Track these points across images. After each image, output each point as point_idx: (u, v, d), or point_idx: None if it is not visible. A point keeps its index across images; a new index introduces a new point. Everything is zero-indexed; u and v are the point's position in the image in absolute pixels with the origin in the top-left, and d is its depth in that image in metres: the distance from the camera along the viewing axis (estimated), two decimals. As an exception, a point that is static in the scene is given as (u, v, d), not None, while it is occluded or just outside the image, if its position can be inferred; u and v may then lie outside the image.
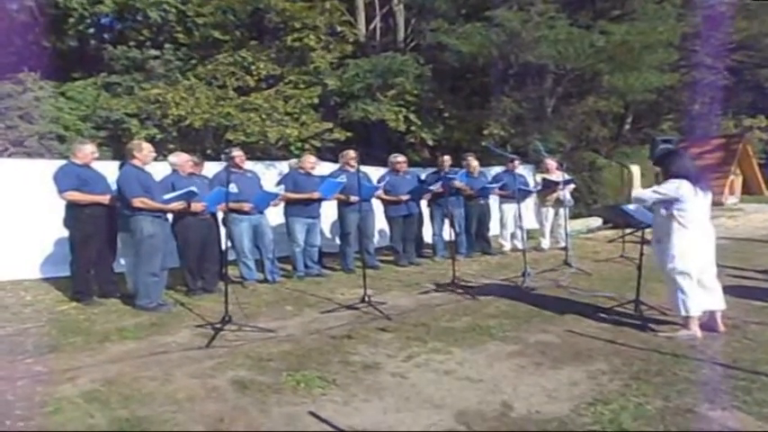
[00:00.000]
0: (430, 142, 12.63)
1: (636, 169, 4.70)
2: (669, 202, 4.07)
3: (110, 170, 5.73)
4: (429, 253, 8.32)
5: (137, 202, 5.11)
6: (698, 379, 3.28)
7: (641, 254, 4.70)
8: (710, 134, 17.66)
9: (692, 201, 4.02)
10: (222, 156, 6.10)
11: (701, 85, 15.10)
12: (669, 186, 4.06)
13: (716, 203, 4.28)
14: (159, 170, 5.90)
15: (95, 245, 5.47)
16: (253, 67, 11.72)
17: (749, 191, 18.20)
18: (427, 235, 8.44)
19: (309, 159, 7.14)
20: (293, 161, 7.59)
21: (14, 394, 3.20)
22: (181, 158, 5.96)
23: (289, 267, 7.02)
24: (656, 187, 4.16)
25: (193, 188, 5.46)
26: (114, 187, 5.39)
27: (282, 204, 6.81)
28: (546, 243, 8.95)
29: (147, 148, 5.49)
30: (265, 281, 6.47)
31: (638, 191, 4.25)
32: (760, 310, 4.82)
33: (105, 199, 5.42)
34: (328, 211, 7.60)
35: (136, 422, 2.84)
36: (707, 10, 13.41)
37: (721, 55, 14.44)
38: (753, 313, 4.68)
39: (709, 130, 18.03)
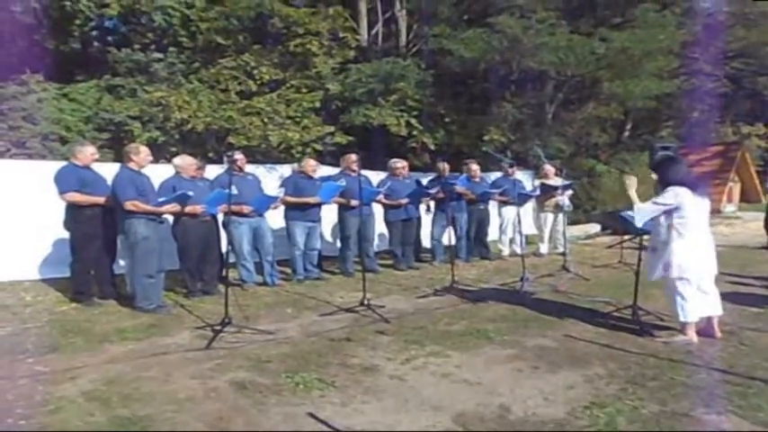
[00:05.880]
0: (431, 147, 12.66)
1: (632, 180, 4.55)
2: (669, 212, 4.10)
3: (111, 172, 5.69)
4: (428, 257, 8.35)
5: (129, 205, 5.14)
6: (694, 384, 3.30)
7: (639, 260, 4.72)
8: (709, 141, 17.70)
9: (691, 207, 4.05)
10: (224, 159, 6.12)
11: (700, 93, 15.18)
12: (668, 196, 4.09)
13: (713, 211, 4.28)
14: (162, 173, 5.92)
15: (95, 246, 5.50)
16: (255, 72, 11.75)
17: (747, 198, 18.24)
18: (426, 239, 8.47)
19: (311, 163, 7.16)
20: (296, 165, 7.60)
21: (15, 393, 3.22)
22: (185, 161, 5.98)
23: (288, 270, 7.04)
24: (654, 199, 4.18)
25: (189, 192, 5.48)
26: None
27: (283, 207, 6.84)
28: (544, 248, 8.98)
29: (145, 151, 5.51)
30: (265, 284, 6.49)
31: (638, 205, 4.25)
32: (756, 316, 4.85)
33: (104, 200, 5.43)
34: (329, 215, 7.63)
35: (136, 421, 2.86)
36: (706, 18, 13.49)
37: (720, 63, 14.51)
38: (749, 319, 4.72)
39: (708, 137, 18.08)
